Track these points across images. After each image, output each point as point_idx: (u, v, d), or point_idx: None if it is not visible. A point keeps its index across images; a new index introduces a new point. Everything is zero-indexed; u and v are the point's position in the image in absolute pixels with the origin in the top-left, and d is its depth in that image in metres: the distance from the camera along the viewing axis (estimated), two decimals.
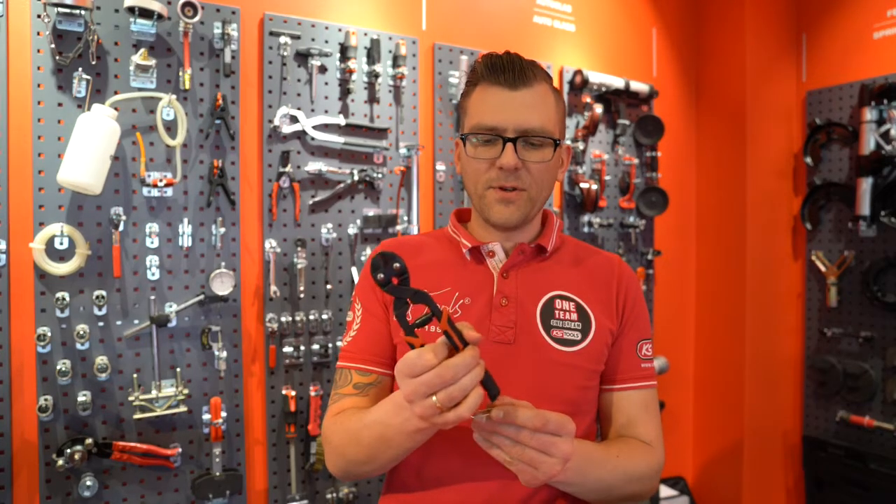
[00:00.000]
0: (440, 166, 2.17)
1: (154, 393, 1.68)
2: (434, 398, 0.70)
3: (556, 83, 2.44)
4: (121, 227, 1.65)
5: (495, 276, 1.00)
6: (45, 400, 1.55)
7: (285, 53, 1.87)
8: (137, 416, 1.65)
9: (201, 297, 1.75)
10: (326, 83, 1.96)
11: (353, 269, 1.98)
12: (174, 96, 1.69)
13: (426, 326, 0.76)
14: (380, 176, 2.00)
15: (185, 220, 1.74)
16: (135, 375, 1.67)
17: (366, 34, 2.01)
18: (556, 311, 0.98)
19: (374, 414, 0.86)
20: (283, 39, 1.86)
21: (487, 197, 0.97)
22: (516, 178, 0.95)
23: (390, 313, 1.00)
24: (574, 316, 0.99)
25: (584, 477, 0.88)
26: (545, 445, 0.76)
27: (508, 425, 0.75)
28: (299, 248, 1.89)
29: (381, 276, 0.74)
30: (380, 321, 1.00)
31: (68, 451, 1.55)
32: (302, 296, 1.90)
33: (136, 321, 1.69)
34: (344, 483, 1.97)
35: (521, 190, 0.96)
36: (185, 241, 1.74)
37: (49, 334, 1.56)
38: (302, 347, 1.91)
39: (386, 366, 0.99)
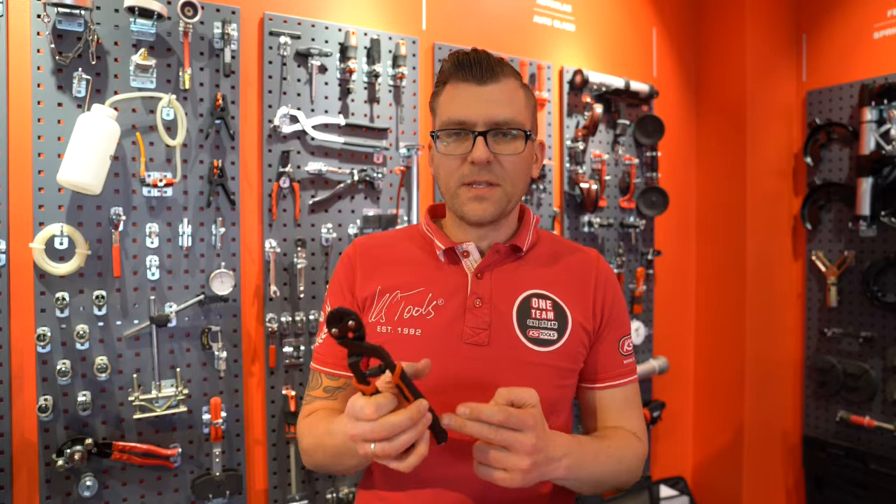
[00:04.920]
0: None
1: (154, 393, 1.68)
2: (372, 447, 0.74)
3: (555, 83, 2.45)
4: (121, 227, 1.65)
5: (469, 277, 0.99)
6: (45, 400, 1.55)
7: (285, 53, 1.87)
8: (137, 416, 1.65)
9: (201, 297, 1.75)
10: (326, 83, 1.96)
11: None
12: (174, 96, 1.69)
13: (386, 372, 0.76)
14: (380, 176, 2.00)
15: (185, 220, 1.74)
16: (135, 375, 1.67)
17: (366, 34, 2.01)
18: (533, 311, 0.97)
19: (337, 424, 0.89)
20: (283, 39, 1.86)
21: (461, 195, 0.96)
22: (489, 173, 0.94)
23: (364, 312, 1.00)
24: (551, 315, 0.98)
25: (579, 472, 0.89)
26: (507, 441, 0.78)
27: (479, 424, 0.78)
28: (299, 248, 1.89)
29: (335, 330, 0.72)
30: None
31: (68, 451, 1.55)
32: (302, 296, 1.90)
33: (136, 321, 1.69)
34: (344, 482, 1.97)
35: (495, 185, 0.95)
36: (185, 241, 1.74)
37: (49, 334, 1.56)
38: (302, 347, 1.91)
39: None
